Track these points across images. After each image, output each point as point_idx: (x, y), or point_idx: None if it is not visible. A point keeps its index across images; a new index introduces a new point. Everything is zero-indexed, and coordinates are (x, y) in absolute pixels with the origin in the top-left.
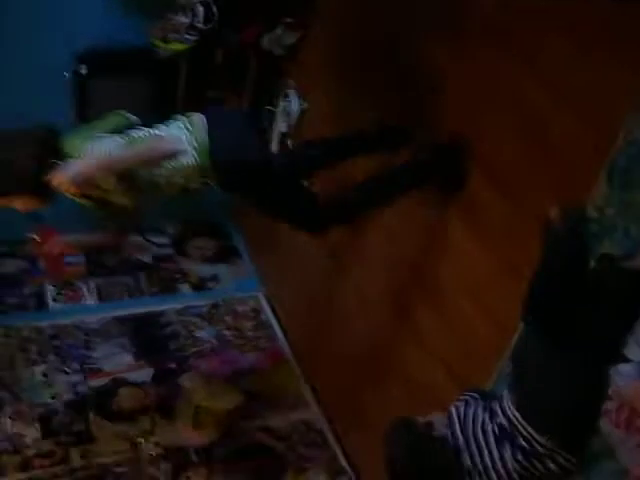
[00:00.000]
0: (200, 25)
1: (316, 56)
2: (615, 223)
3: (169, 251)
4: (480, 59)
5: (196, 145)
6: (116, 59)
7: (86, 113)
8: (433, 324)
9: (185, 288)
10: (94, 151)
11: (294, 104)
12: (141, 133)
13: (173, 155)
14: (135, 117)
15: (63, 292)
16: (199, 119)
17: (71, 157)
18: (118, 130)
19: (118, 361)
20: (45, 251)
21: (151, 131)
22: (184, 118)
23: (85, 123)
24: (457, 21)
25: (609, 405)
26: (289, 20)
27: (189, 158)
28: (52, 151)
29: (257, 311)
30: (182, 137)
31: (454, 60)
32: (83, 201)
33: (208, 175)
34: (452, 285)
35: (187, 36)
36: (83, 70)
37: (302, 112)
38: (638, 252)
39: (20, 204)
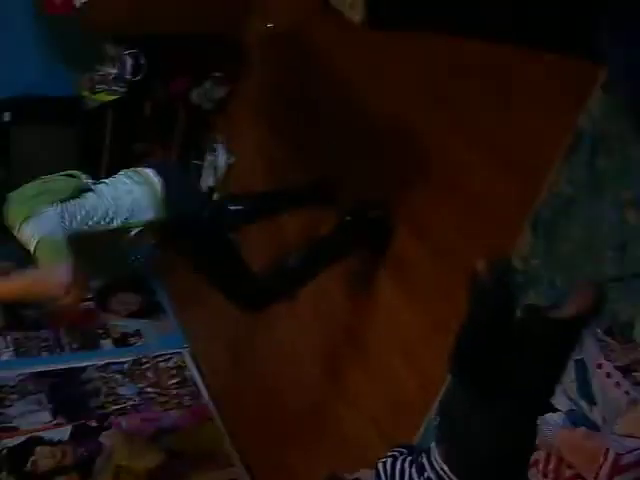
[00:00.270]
0: (128, 77)
1: (245, 110)
2: (540, 274)
3: (91, 306)
4: (407, 117)
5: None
6: (42, 108)
7: (8, 160)
8: (362, 381)
9: (107, 344)
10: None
11: (221, 158)
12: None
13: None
14: (85, 175)
15: None
16: (149, 172)
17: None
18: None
19: (35, 419)
20: None
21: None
22: (133, 172)
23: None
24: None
25: (537, 455)
26: (218, 74)
27: (148, 214)
28: None
29: (181, 368)
30: (139, 194)
31: (381, 118)
32: None
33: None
34: (381, 342)
35: (115, 87)
36: (6, 117)
37: (229, 166)
38: (564, 302)
39: None
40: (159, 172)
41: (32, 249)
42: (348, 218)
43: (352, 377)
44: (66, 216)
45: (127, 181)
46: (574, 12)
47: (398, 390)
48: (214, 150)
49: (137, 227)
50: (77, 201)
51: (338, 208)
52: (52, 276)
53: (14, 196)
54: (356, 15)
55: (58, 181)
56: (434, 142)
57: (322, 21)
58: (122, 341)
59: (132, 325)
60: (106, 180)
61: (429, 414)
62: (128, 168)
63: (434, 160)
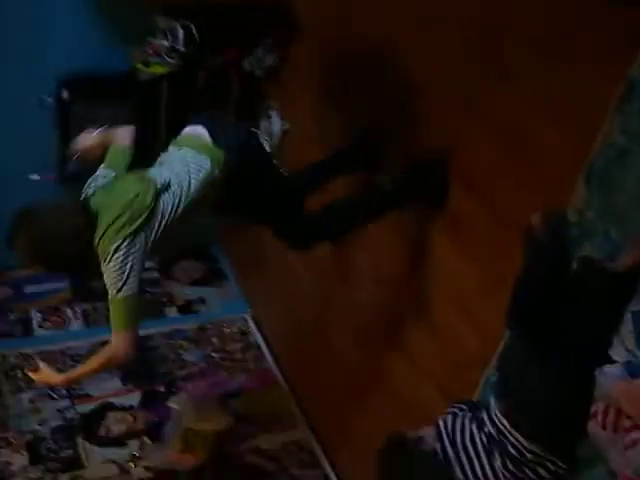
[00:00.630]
0: (181, 48)
1: (296, 76)
2: (595, 226)
3: (155, 275)
4: (459, 75)
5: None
6: (98, 83)
7: (69, 137)
8: (422, 339)
9: (172, 311)
10: None
11: (276, 124)
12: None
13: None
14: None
15: (49, 318)
16: (189, 131)
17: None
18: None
19: (106, 386)
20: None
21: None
22: (174, 142)
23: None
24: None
25: (596, 407)
26: (269, 41)
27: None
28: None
29: (245, 333)
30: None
31: (433, 75)
32: None
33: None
34: (440, 299)
35: (168, 59)
36: (65, 95)
37: (284, 132)
38: (619, 254)
39: None
40: (198, 122)
41: (110, 297)
42: (403, 174)
43: (413, 335)
44: (150, 238)
45: (174, 150)
46: None
47: (457, 347)
48: (268, 117)
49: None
50: (155, 215)
51: (393, 164)
52: (118, 348)
53: (102, 212)
54: None
55: (132, 191)
56: (486, 97)
57: None
58: (186, 308)
59: (196, 292)
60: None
61: (488, 369)
62: None
63: (487, 115)
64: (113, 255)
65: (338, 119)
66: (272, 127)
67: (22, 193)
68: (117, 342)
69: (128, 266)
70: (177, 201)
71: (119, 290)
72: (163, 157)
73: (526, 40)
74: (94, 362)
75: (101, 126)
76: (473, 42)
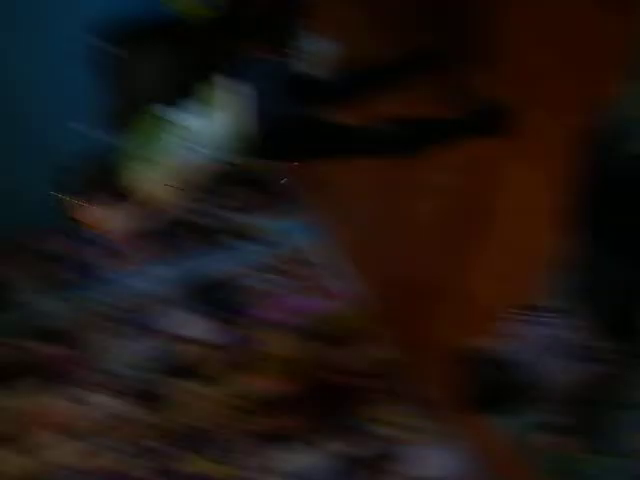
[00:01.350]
0: None
1: None
2: None
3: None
4: None
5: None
6: (145, 30)
7: (122, 89)
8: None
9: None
10: None
11: (325, 50)
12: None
13: None
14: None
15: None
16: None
17: None
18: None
19: (192, 325)
20: None
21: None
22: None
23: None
24: None
25: None
26: None
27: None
28: None
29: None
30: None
31: None
32: None
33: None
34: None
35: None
36: (112, 47)
37: (334, 57)
38: None
39: None
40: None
41: None
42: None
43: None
44: None
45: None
46: None
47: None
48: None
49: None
50: None
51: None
52: None
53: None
54: None
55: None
56: None
57: None
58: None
59: (261, 222)
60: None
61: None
62: None
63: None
64: None
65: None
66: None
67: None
68: None
69: None
70: None
71: None
72: None
73: None
74: None
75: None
76: None
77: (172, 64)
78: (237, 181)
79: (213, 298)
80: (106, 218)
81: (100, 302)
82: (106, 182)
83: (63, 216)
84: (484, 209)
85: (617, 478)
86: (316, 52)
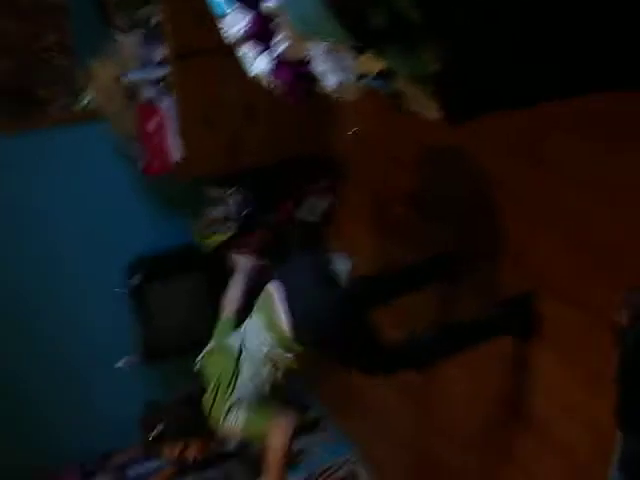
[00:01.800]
0: (235, 215)
1: (352, 215)
2: None
3: None
4: (525, 181)
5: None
6: (166, 262)
7: (148, 321)
8: (534, 452)
9: None
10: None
11: (340, 267)
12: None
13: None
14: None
15: None
16: (270, 291)
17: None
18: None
19: None
20: None
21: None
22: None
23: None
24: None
25: None
26: (318, 187)
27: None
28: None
29: (354, 475)
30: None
31: (485, 195)
32: None
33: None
34: (545, 410)
35: (226, 226)
36: (136, 280)
37: (349, 272)
38: None
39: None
40: (281, 284)
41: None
42: (494, 309)
43: (525, 449)
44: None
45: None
46: None
47: (571, 454)
48: (330, 261)
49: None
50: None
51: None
52: (276, 435)
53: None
54: (433, 114)
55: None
56: (551, 198)
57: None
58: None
59: (296, 444)
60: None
61: (609, 472)
62: None
63: (555, 216)
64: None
65: (398, 249)
66: (336, 269)
67: (109, 383)
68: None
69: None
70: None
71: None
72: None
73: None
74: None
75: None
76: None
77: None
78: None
79: None
80: None
81: None
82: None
83: None
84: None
85: None
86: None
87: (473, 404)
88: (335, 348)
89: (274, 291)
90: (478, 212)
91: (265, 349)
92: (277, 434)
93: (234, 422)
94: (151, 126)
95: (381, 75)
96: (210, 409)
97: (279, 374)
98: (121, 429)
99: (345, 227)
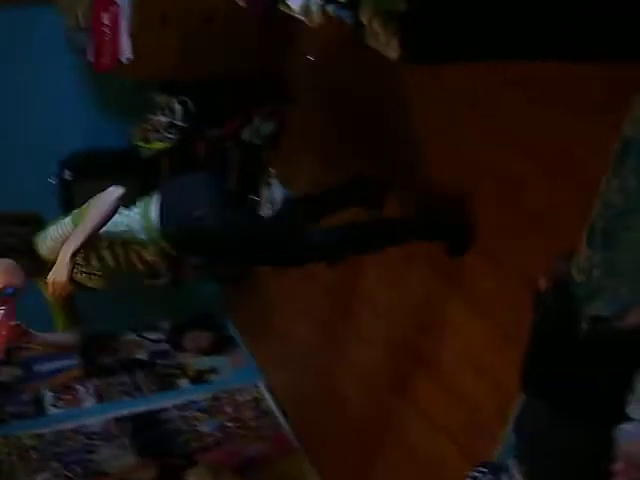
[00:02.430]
0: (179, 123)
1: (295, 143)
2: (603, 284)
3: (165, 347)
4: (464, 132)
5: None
6: (100, 162)
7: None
8: (436, 397)
9: (184, 383)
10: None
11: (277, 192)
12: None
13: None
14: None
15: (61, 396)
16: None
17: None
18: None
19: (121, 462)
20: None
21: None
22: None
23: None
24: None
25: (616, 466)
26: (265, 110)
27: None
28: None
29: (258, 400)
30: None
31: (430, 137)
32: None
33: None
34: (453, 357)
35: (167, 134)
36: (67, 175)
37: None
38: (627, 312)
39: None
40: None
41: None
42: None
43: (427, 393)
44: None
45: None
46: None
47: (473, 405)
48: (269, 184)
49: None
50: None
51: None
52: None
53: None
54: (392, 53)
55: None
56: (486, 156)
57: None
58: (198, 379)
59: (207, 362)
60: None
61: (506, 429)
62: None
63: (489, 176)
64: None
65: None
66: (273, 194)
67: None
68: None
69: None
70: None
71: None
72: None
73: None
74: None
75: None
76: (471, 100)
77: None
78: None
79: (150, 438)
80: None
81: (28, 437)
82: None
83: None
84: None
85: None
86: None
87: (381, 344)
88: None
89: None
90: (422, 151)
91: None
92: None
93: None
94: (105, 18)
95: (347, 5)
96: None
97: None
98: None
99: (288, 153)
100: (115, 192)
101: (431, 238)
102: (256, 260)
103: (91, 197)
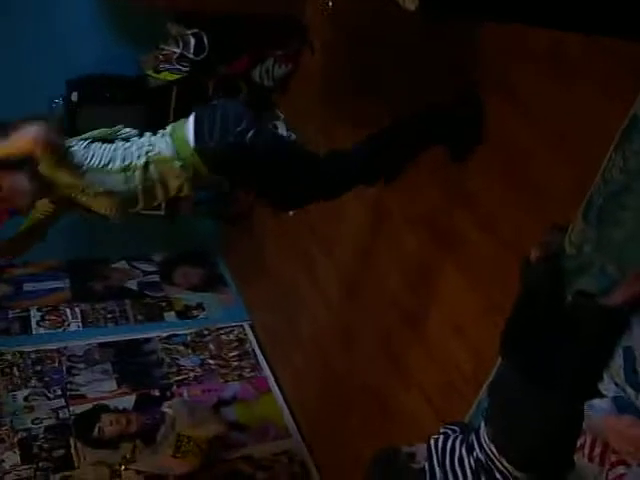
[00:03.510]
0: (191, 56)
1: (306, 89)
2: (592, 260)
3: (155, 278)
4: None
5: (174, 141)
6: (108, 87)
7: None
8: (419, 360)
9: (170, 316)
10: None
11: (282, 135)
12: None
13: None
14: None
15: (47, 317)
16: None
17: None
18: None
19: (101, 387)
20: None
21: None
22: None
23: None
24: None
25: (583, 440)
26: (280, 53)
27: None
28: None
29: (242, 340)
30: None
31: (442, 92)
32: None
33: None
34: (438, 323)
35: (178, 66)
36: (74, 97)
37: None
38: (614, 289)
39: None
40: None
41: None
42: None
43: (410, 356)
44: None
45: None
46: None
47: (452, 366)
48: (276, 127)
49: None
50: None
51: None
52: (26, 133)
53: None
54: (411, 5)
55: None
56: (496, 124)
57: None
58: (185, 313)
59: (195, 298)
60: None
61: (481, 392)
62: None
63: (495, 142)
64: None
65: (346, 133)
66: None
67: None
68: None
69: None
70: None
71: None
72: None
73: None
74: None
75: None
76: (483, 67)
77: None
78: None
79: (131, 366)
80: None
81: (12, 354)
82: None
83: None
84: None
85: None
86: None
87: (368, 296)
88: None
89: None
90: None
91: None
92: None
93: None
94: None
95: None
96: None
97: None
98: None
99: (297, 98)
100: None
101: (444, 132)
102: (293, 183)
103: (95, 122)
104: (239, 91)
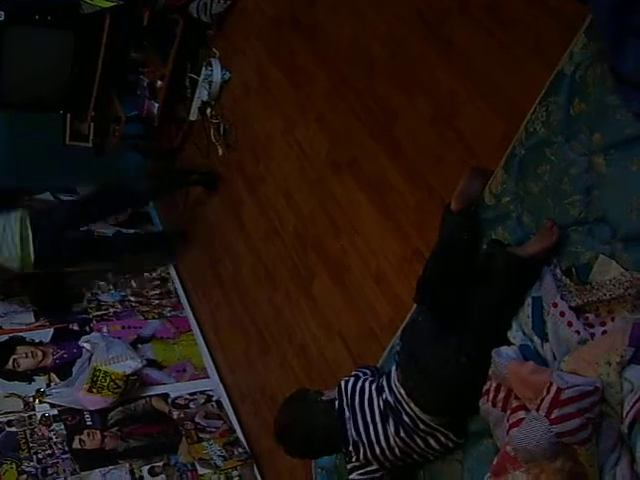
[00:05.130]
0: None
1: (243, 28)
2: (509, 211)
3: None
4: (404, 46)
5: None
6: (39, 9)
7: (1, 60)
8: (335, 301)
9: None
10: None
11: (217, 73)
12: None
13: None
14: None
15: None
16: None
17: None
18: None
19: (18, 319)
20: None
21: None
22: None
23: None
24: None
25: (488, 385)
26: None
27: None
28: None
29: (165, 279)
30: None
31: (376, 45)
32: None
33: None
34: (356, 264)
35: None
36: (1, 17)
37: (225, 82)
38: (528, 240)
39: None
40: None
41: None
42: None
43: (326, 295)
44: None
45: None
46: None
47: (369, 312)
48: (210, 65)
49: None
50: None
51: None
52: None
53: None
54: None
55: None
56: (426, 72)
57: None
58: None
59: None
60: None
61: (394, 339)
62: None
63: (423, 93)
64: None
65: (279, 73)
66: (213, 75)
67: None
68: None
69: None
70: None
71: None
72: None
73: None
74: None
75: None
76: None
77: None
78: None
79: (51, 299)
80: None
81: None
82: None
83: None
84: (335, 258)
85: None
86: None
87: (293, 239)
88: None
89: None
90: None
91: None
92: None
93: None
94: None
95: None
96: None
97: None
98: None
99: (234, 37)
100: None
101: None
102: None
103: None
104: (174, 24)
